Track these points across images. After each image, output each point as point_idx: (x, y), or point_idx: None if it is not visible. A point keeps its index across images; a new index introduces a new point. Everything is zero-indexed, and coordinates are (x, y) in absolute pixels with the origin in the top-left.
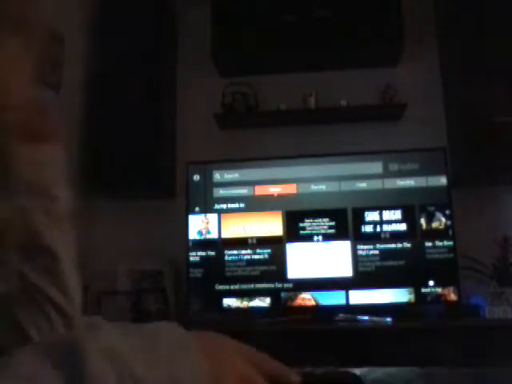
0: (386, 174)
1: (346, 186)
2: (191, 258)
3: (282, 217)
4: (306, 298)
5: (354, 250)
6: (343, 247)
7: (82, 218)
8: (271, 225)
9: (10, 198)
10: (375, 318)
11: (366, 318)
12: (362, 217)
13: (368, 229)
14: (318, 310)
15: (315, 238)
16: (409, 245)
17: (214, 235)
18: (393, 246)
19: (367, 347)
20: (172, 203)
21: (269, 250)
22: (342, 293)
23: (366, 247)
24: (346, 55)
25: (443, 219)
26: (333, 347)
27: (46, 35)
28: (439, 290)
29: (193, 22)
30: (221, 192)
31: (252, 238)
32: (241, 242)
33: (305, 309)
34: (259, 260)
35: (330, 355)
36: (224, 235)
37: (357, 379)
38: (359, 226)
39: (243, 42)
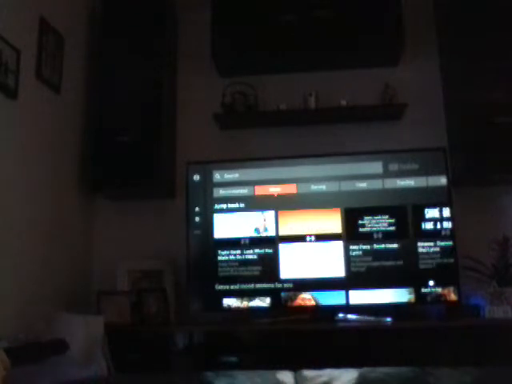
0: (386, 173)
1: (345, 186)
2: (191, 258)
3: (282, 216)
4: (306, 298)
5: (354, 250)
6: (343, 247)
7: (82, 217)
8: (271, 225)
9: None
10: (375, 318)
11: (371, 318)
12: (361, 217)
13: (367, 228)
14: (318, 310)
15: (315, 237)
16: (409, 245)
17: (215, 235)
18: (393, 245)
19: (367, 347)
20: (172, 203)
21: (270, 250)
22: (342, 293)
23: (365, 247)
24: (345, 55)
25: (443, 219)
26: (333, 347)
27: None
28: (439, 289)
29: (193, 22)
30: (221, 192)
31: (251, 237)
32: (240, 242)
33: (305, 309)
34: (260, 260)
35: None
36: (224, 235)
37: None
38: (357, 225)
39: (243, 42)
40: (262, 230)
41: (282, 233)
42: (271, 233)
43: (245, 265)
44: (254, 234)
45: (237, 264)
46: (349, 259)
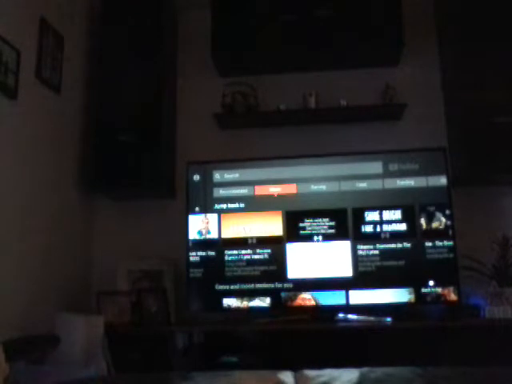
0: (386, 173)
1: (345, 186)
2: (191, 258)
3: (282, 217)
4: (306, 298)
5: (354, 250)
6: (343, 247)
7: (82, 217)
8: (271, 225)
9: None
10: (375, 318)
11: (371, 318)
12: (362, 217)
13: (368, 229)
14: (318, 310)
15: (315, 238)
16: (409, 245)
17: (213, 235)
18: (393, 246)
19: (367, 347)
20: (172, 203)
21: (269, 250)
22: (342, 293)
23: (366, 247)
24: (345, 55)
25: (443, 219)
26: (333, 347)
27: None
28: (439, 290)
29: (193, 22)
30: (221, 192)
31: (252, 238)
32: (241, 242)
33: (305, 309)
34: (259, 260)
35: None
36: (224, 235)
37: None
38: (359, 226)
39: (243, 42)
40: (261, 229)
41: (281, 233)
42: (271, 233)
43: (245, 265)
44: (254, 234)
45: (237, 264)
46: (349, 259)
